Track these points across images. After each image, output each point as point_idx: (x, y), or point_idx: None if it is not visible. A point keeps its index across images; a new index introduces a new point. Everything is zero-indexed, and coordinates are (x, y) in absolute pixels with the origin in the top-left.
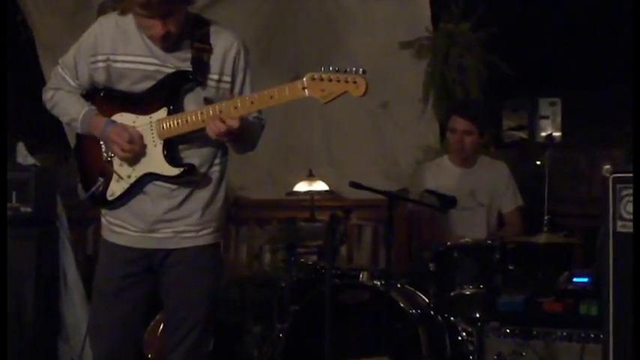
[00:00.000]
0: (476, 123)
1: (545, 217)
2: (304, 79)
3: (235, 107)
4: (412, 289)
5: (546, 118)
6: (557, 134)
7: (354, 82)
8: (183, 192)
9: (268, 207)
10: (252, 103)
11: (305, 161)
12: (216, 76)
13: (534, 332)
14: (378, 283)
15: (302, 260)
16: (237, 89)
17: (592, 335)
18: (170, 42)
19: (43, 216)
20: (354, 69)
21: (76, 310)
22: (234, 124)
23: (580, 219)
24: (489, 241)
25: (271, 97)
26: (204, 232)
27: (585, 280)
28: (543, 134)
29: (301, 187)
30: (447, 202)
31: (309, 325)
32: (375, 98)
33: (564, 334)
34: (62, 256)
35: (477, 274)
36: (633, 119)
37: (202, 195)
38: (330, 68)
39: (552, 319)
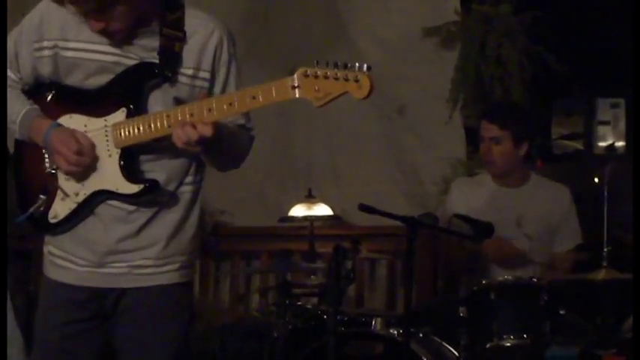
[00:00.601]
0: (507, 128)
1: (605, 249)
2: (295, 75)
3: (209, 109)
4: (438, 339)
5: (607, 124)
6: (620, 144)
7: (356, 81)
8: (144, 215)
9: (257, 236)
10: (230, 104)
11: (304, 179)
12: (190, 71)
13: None
14: (395, 332)
15: (299, 304)
16: (217, 88)
17: None
18: (117, 38)
19: None
20: (357, 64)
21: None
22: (207, 131)
23: None
24: (535, 279)
25: (253, 98)
26: (169, 267)
27: None
28: (603, 144)
29: (298, 211)
30: (482, 229)
31: None
32: (391, 101)
33: None
34: None
35: (519, 321)
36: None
37: (168, 220)
38: (327, 63)
39: None
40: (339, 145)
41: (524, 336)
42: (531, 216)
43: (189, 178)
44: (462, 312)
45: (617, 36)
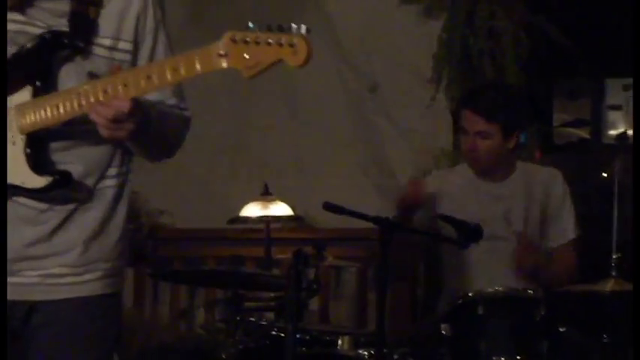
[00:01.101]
0: (496, 121)
1: (614, 256)
2: (221, 41)
3: (125, 85)
4: None
5: (618, 108)
6: (632, 133)
7: (291, 46)
8: (58, 215)
9: (202, 240)
10: (148, 78)
11: (258, 172)
12: (107, 41)
13: None
14: (366, 353)
15: (252, 320)
16: (143, 62)
17: None
18: (20, 4)
19: None
20: (293, 26)
21: None
22: (124, 105)
23: None
24: (530, 291)
25: (174, 70)
26: (89, 276)
27: None
28: (613, 132)
29: (252, 210)
30: (469, 232)
31: None
32: (362, 78)
33: None
34: None
35: (511, 340)
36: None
37: (87, 221)
38: (260, 26)
39: None
40: (301, 131)
41: (518, 357)
42: (521, 208)
43: (112, 171)
44: (445, 329)
45: (631, 6)
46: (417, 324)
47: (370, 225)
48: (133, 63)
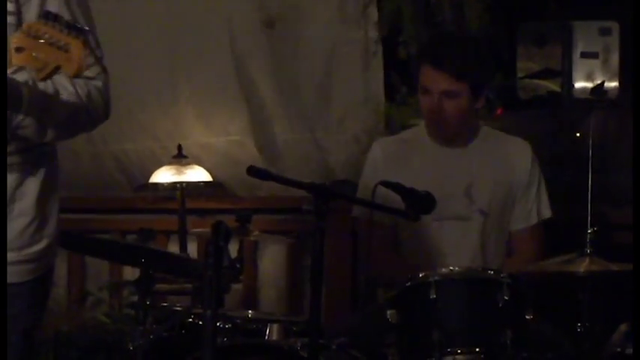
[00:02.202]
0: (465, 79)
1: (589, 230)
2: (17, 34)
3: None
4: (357, 354)
5: (593, 56)
6: (611, 85)
7: (66, 51)
8: None
9: (105, 211)
10: None
11: (168, 130)
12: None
13: None
14: (299, 343)
15: (164, 305)
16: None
17: None
18: None
19: None
20: (77, 24)
21: None
22: None
23: None
24: (491, 271)
25: None
26: None
27: None
28: (587, 85)
29: (163, 175)
30: (419, 202)
31: None
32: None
33: None
34: None
35: (470, 329)
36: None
37: None
38: (56, 17)
39: None
40: (212, 81)
41: (477, 350)
42: (484, 183)
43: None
44: (391, 316)
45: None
46: (359, 310)
47: (303, 193)
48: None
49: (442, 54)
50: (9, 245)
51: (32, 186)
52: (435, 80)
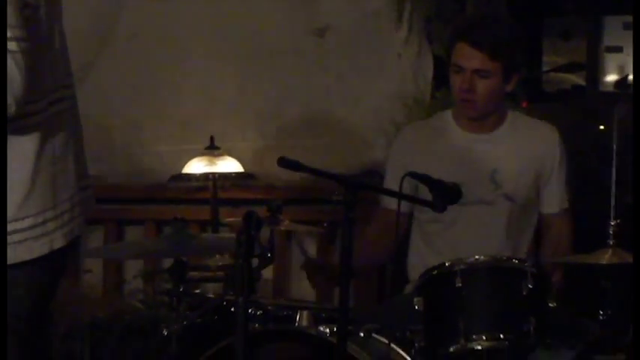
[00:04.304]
0: (498, 57)
1: (612, 222)
2: None
3: None
4: (385, 340)
5: (617, 50)
6: (635, 78)
7: None
8: None
9: (139, 201)
10: None
11: (203, 124)
12: None
13: None
14: (327, 330)
15: (197, 292)
16: None
17: None
18: None
19: None
20: None
21: None
22: None
23: None
24: (516, 260)
25: None
26: None
27: None
28: (612, 78)
29: (196, 166)
30: (446, 193)
31: None
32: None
33: None
34: None
35: (494, 316)
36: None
37: None
38: None
39: None
40: (251, 79)
41: (501, 336)
42: (509, 169)
43: None
44: (417, 304)
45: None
46: (387, 298)
47: (332, 185)
48: None
49: (479, 32)
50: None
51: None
52: (469, 58)
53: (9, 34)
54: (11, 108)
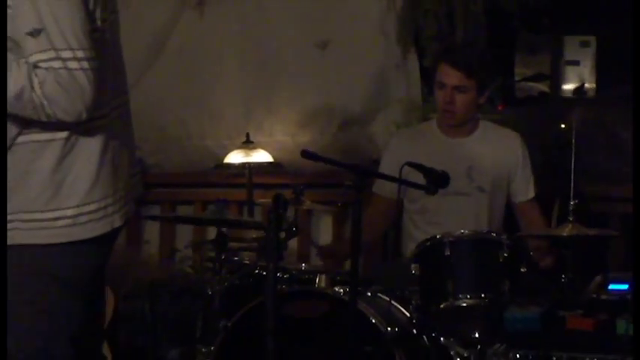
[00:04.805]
0: (473, 76)
1: (572, 202)
2: None
3: None
4: (387, 298)
5: (575, 64)
6: (589, 86)
7: None
8: None
9: (189, 185)
10: None
11: (240, 122)
12: None
13: (554, 358)
14: (341, 290)
15: (236, 259)
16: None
17: None
18: None
19: None
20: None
21: None
22: None
23: (619, 203)
24: (494, 234)
25: None
26: (9, 225)
27: (624, 287)
28: (570, 87)
29: (235, 157)
30: (437, 179)
31: (246, 347)
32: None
33: None
34: None
35: (476, 279)
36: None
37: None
38: None
39: (579, 340)
40: (281, 82)
41: (482, 295)
42: (481, 166)
43: (11, 132)
44: (414, 269)
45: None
46: (389, 264)
47: (344, 172)
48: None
49: (457, 56)
50: (24, 208)
51: (44, 159)
52: (450, 76)
53: (82, 55)
54: (82, 115)
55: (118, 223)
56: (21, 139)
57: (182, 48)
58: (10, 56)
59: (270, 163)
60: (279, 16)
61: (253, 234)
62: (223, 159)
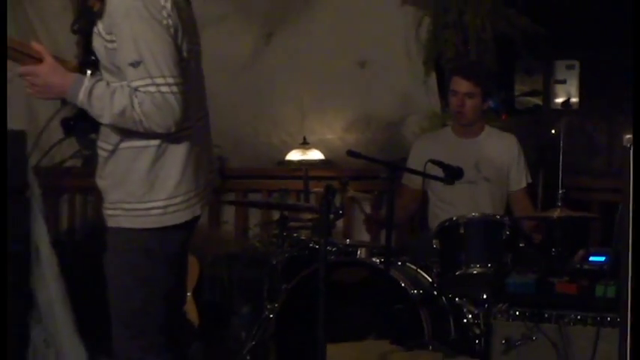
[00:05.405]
0: (479, 85)
1: (560, 191)
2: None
3: None
4: (414, 267)
5: (562, 82)
6: (574, 100)
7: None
8: (104, 166)
9: (258, 177)
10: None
11: (298, 127)
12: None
13: (546, 315)
14: (377, 260)
15: (295, 235)
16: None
17: (608, 319)
18: None
19: (12, 184)
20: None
21: (47, 288)
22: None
23: (598, 193)
24: (498, 216)
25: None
26: (111, 212)
27: (602, 259)
28: (559, 100)
29: (294, 155)
30: (453, 172)
31: (302, 305)
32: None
33: (578, 317)
34: (34, 229)
35: (484, 252)
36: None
37: (110, 172)
38: None
39: (566, 301)
40: (329, 96)
41: (489, 265)
42: (487, 160)
43: (114, 139)
44: (435, 244)
45: (576, 3)
46: (415, 239)
47: (380, 167)
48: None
49: (468, 69)
50: (126, 199)
51: (145, 160)
52: (461, 85)
53: (172, 81)
54: (172, 128)
55: (198, 212)
56: (122, 145)
57: (252, 68)
58: (112, 79)
59: (322, 160)
60: (327, 43)
61: (308, 216)
62: (285, 156)
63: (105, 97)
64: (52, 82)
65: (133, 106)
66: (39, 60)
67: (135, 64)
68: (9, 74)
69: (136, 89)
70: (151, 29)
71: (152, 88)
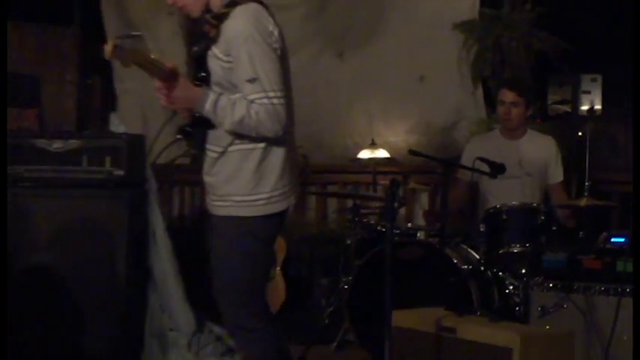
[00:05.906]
0: (522, 95)
1: (587, 183)
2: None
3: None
4: (465, 246)
5: (588, 93)
6: (597, 107)
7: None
8: (212, 168)
9: (335, 172)
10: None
11: (368, 130)
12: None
13: (575, 287)
14: (434, 241)
15: (365, 220)
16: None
17: (627, 290)
18: None
19: (134, 179)
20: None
21: (162, 263)
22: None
23: (618, 185)
24: (535, 204)
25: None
26: (221, 203)
27: (622, 240)
28: (585, 108)
29: (365, 154)
30: (497, 168)
31: (371, 278)
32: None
33: (602, 288)
34: (151, 215)
35: (523, 234)
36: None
37: (217, 172)
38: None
39: (591, 275)
40: (390, 103)
41: (527, 245)
42: (529, 158)
43: (234, 145)
44: (482, 227)
45: (598, 26)
46: (466, 224)
47: (436, 164)
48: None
49: (513, 82)
50: (235, 192)
51: (243, 162)
52: (507, 96)
53: (280, 94)
54: (279, 133)
55: (293, 201)
56: (232, 147)
57: (329, 81)
58: (225, 93)
59: (388, 158)
60: (392, 61)
61: (376, 204)
62: (357, 155)
63: (227, 108)
64: (184, 95)
65: (250, 115)
66: (169, 74)
67: (252, 81)
68: (121, 86)
69: (252, 101)
70: (264, 52)
71: (265, 100)
